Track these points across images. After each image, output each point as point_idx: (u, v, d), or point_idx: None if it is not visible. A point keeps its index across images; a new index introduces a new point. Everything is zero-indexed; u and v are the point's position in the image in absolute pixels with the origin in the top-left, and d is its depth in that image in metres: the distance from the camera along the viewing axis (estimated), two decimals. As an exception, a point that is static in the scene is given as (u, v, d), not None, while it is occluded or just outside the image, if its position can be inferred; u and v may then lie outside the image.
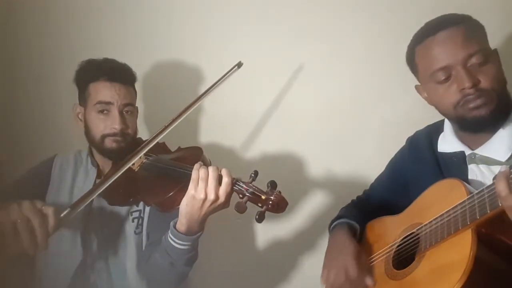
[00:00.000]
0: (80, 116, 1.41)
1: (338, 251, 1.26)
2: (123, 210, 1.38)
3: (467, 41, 1.09)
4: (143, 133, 1.67)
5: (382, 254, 1.24)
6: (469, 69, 1.09)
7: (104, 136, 1.35)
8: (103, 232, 1.36)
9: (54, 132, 1.66)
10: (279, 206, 1.10)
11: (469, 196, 1.02)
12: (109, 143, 1.35)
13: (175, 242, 1.19)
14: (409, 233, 1.17)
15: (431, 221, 1.10)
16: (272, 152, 1.75)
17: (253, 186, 1.12)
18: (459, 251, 0.95)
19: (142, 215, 1.38)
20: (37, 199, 1.07)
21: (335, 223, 1.40)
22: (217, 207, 1.14)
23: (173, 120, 1.24)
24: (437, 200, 1.12)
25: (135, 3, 1.74)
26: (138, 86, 1.47)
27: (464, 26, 1.11)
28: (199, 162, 1.17)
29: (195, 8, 1.72)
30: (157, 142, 1.26)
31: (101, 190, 1.13)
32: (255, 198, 1.10)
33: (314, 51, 1.68)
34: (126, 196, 1.28)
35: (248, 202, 1.10)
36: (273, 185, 1.13)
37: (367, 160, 1.64)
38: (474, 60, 1.09)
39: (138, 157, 1.22)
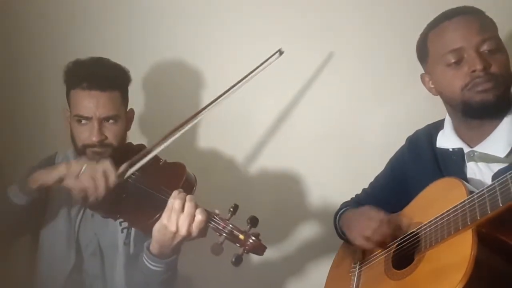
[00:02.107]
0: (69, 120, 1.36)
1: (358, 217, 1.27)
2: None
3: (482, 28, 1.13)
4: (141, 135, 1.67)
5: (381, 254, 1.24)
6: (481, 53, 1.12)
7: (84, 146, 1.31)
8: (97, 239, 1.35)
9: (55, 132, 1.65)
10: (257, 251, 1.07)
11: (469, 196, 1.02)
12: (90, 154, 1.31)
13: (148, 263, 1.16)
14: (408, 232, 1.17)
15: (431, 221, 1.10)
16: (273, 152, 1.75)
17: (231, 224, 1.08)
18: (459, 252, 0.95)
19: None
20: (41, 195, 1.24)
21: (340, 211, 1.42)
22: (191, 239, 1.11)
23: (190, 119, 1.24)
24: (437, 199, 1.13)
25: (135, 3, 1.74)
26: (138, 87, 1.46)
27: (479, 16, 1.16)
28: (179, 189, 1.13)
29: (196, 9, 1.72)
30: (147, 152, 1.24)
31: (157, 151, 1.21)
32: (232, 238, 1.07)
33: (314, 52, 1.68)
34: (113, 213, 1.25)
35: (225, 241, 1.06)
36: (253, 222, 1.08)
37: (367, 160, 1.64)
38: (486, 46, 1.12)
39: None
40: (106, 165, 1.17)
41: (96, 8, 1.73)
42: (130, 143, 1.44)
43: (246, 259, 1.07)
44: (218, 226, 1.08)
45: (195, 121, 1.28)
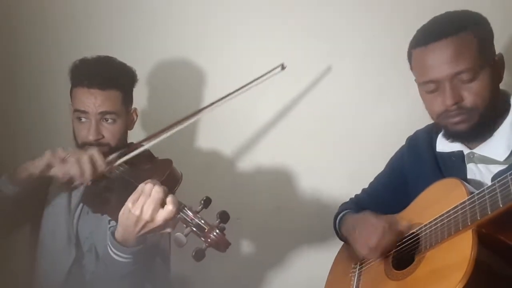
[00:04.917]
0: (72, 116, 1.38)
1: (361, 226, 1.24)
2: (104, 217, 1.34)
3: (457, 57, 1.07)
4: (140, 134, 1.67)
5: (382, 254, 1.24)
6: (455, 85, 1.09)
7: (83, 144, 1.32)
8: (92, 235, 1.35)
9: (55, 132, 1.66)
10: (219, 246, 1.01)
11: (469, 197, 1.02)
12: None
13: (112, 251, 1.11)
14: (409, 233, 1.17)
15: (431, 222, 1.10)
16: (272, 151, 1.76)
17: (199, 217, 1.03)
18: (459, 252, 0.95)
19: None
20: (46, 188, 1.32)
21: (341, 215, 1.42)
22: (154, 229, 1.05)
23: (184, 119, 1.24)
24: (437, 200, 1.13)
25: (139, 2, 1.74)
26: (141, 85, 1.46)
27: (456, 40, 1.09)
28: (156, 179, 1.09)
29: (197, 8, 1.72)
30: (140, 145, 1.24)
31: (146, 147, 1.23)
32: (198, 231, 1.02)
33: (314, 52, 1.68)
34: (99, 208, 1.24)
35: (190, 234, 1.01)
36: (222, 217, 1.03)
37: (367, 160, 1.64)
38: (462, 76, 1.08)
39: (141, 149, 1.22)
40: (93, 151, 1.18)
41: (97, 7, 1.73)
42: (132, 143, 1.43)
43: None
44: (186, 218, 1.04)
45: (190, 121, 1.28)
